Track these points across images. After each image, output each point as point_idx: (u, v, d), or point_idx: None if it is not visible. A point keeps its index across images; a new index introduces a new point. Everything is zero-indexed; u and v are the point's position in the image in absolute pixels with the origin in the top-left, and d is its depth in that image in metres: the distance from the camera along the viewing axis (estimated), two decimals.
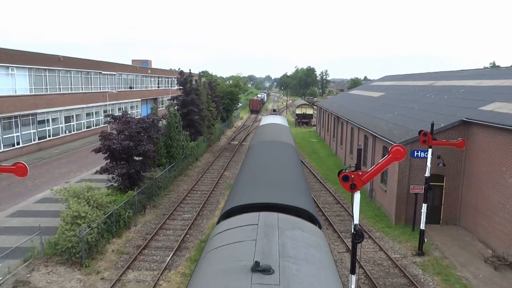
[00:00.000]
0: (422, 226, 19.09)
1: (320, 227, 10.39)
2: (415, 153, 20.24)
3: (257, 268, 6.37)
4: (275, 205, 10.62)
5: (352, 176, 10.17)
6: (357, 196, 10.39)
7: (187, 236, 21.21)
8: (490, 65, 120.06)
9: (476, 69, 37.99)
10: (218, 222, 10.47)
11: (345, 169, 10.38)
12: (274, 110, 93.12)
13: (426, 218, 19.21)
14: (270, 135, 24.28)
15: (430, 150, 18.31)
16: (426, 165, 18.76)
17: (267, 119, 34.52)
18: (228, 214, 10.69)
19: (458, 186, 22.63)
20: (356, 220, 10.47)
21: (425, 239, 19.48)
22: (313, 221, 10.41)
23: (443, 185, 22.82)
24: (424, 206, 19.13)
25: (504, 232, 18.40)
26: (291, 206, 10.80)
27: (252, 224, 8.65)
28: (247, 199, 11.20)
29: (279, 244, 7.50)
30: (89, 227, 17.47)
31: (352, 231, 10.46)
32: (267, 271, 6.35)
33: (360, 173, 10.17)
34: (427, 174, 18.70)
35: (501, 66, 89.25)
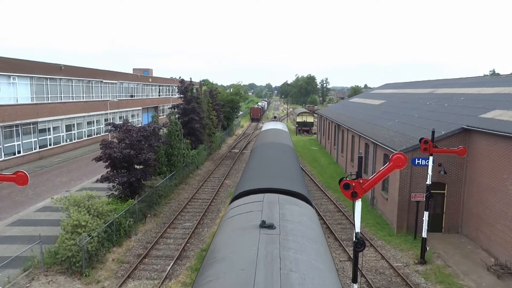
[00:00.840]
0: (424, 234, 18.98)
1: (312, 206, 12.57)
2: (416, 161, 20.20)
3: (263, 225, 8.77)
4: (277, 189, 12.59)
5: (353, 184, 10.14)
6: (358, 204, 10.35)
7: (188, 245, 21.11)
8: (490, 73, 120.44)
9: (476, 76, 38.09)
10: (231, 202, 12.81)
11: (346, 177, 10.36)
12: (275, 117, 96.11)
13: (428, 226, 19.12)
14: (272, 138, 26.45)
15: (431, 158, 18.28)
16: (427, 173, 18.72)
17: (269, 125, 37.52)
18: (238, 196, 12.79)
19: (459, 194, 22.56)
20: (358, 229, 10.42)
21: (427, 248, 19.36)
22: (307, 201, 12.54)
23: (444, 192, 22.75)
24: (426, 214, 19.04)
25: (507, 240, 18.29)
26: (289, 190, 12.75)
27: (258, 201, 10.99)
28: (253, 185, 13.32)
29: (279, 213, 9.92)
30: (89, 236, 17.41)
31: (354, 239, 10.41)
32: (270, 226, 8.72)
33: (361, 181, 10.14)
34: (428, 182, 18.65)
35: (501, 73, 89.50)
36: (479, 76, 39.68)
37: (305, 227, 9.45)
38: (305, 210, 11.01)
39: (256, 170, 16.62)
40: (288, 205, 10.83)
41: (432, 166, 18.47)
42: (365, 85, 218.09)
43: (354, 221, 10.52)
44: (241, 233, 8.81)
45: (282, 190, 12.52)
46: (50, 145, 43.76)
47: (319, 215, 25.08)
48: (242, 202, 11.46)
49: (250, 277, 6.46)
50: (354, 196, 10.22)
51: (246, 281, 6.35)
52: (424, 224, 19.03)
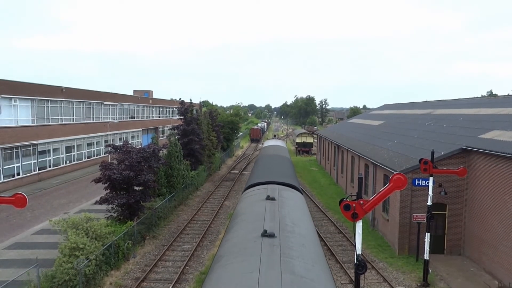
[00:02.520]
0: (426, 256, 18.74)
1: (300, 192, 17.74)
2: (416, 182, 20.14)
3: (268, 198, 13.62)
4: (276, 182, 17.36)
5: (354, 205, 10.09)
6: (359, 225, 10.27)
7: (187, 267, 20.80)
8: (488, 94, 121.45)
9: (474, 98, 38.40)
10: (243, 191, 18.00)
11: (346, 198, 10.31)
12: (275, 136, 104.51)
13: (429, 248, 18.89)
14: (273, 151, 32.29)
15: (431, 179, 18.22)
16: (427, 193, 18.63)
17: (270, 142, 44.27)
18: (248, 188, 17.79)
19: (460, 215, 22.40)
20: (359, 250, 10.30)
21: (430, 270, 19.09)
22: (297, 190, 17.57)
23: (445, 213, 22.60)
24: (427, 235, 18.85)
25: (510, 262, 18.05)
26: (285, 182, 17.56)
27: (264, 189, 15.81)
28: (259, 180, 18.14)
29: (278, 194, 14.64)
30: (87, 259, 17.17)
31: (355, 261, 10.28)
32: (272, 199, 13.53)
33: (361, 202, 10.10)
34: (429, 202, 18.54)
35: (499, 94, 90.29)
36: (477, 97, 40.00)
37: (294, 201, 14.69)
38: (295, 194, 16.26)
39: (261, 171, 22.05)
40: (284, 190, 15.84)
41: (433, 187, 18.40)
42: (364, 106, 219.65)
43: (355, 243, 10.42)
44: (253, 203, 13.95)
45: (280, 183, 17.42)
46: (49, 166, 43.68)
47: (321, 240, 24.84)
48: (252, 190, 16.67)
49: (261, 220, 11.31)
50: (354, 217, 10.15)
51: (260, 218, 11.52)
52: (425, 246, 18.81)
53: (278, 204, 13.04)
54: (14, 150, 37.91)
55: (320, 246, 11.10)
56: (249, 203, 14.15)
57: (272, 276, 7.67)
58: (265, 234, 9.76)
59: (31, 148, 40.50)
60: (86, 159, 51.70)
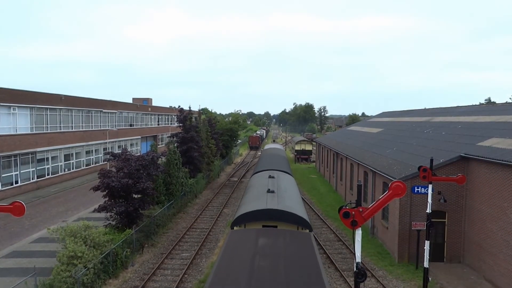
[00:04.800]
0: (426, 264, 18.62)
1: (292, 176, 26.08)
2: (416, 189, 20.12)
3: (269, 177, 21.51)
4: (275, 169, 25.24)
5: (353, 212, 10.06)
6: (358, 233, 10.22)
7: (186, 276, 20.68)
8: (486, 101, 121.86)
9: (472, 105, 38.57)
10: (252, 175, 26.17)
11: (346, 206, 10.29)
12: (274, 141, 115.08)
13: (429, 256, 18.78)
14: (273, 151, 41.27)
15: (430, 186, 18.17)
16: (427, 201, 18.59)
17: (270, 145, 53.47)
18: (255, 173, 26.05)
19: (460, 223, 22.36)
20: (358, 258, 10.26)
21: (430, 278, 18.95)
22: (290, 174, 26.20)
23: (445, 221, 22.55)
24: (427, 243, 18.75)
25: (510, 270, 17.99)
26: (282, 170, 25.74)
27: (266, 173, 23.43)
28: (263, 168, 26.50)
29: (276, 176, 22.22)
30: (85, 268, 17.07)
31: (355, 269, 10.23)
32: (272, 177, 21.40)
33: (360, 210, 10.06)
34: (429, 210, 18.48)
35: (497, 102, 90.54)
36: (475, 105, 40.18)
37: (287, 179, 22.75)
38: (288, 176, 24.54)
39: (264, 163, 30.57)
40: (280, 174, 23.86)
41: (432, 194, 18.36)
42: (363, 113, 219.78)
43: (354, 251, 10.38)
44: (260, 180, 21.45)
45: (278, 170, 25.22)
46: (48, 174, 43.58)
47: (321, 248, 24.77)
48: (259, 173, 24.57)
49: (266, 186, 18.51)
50: (354, 225, 10.10)
51: (265, 185, 18.89)
52: (425, 254, 18.70)
53: (277, 180, 20.98)
54: (13, 158, 37.84)
55: (302, 199, 20.34)
56: (257, 180, 22.24)
57: (273, 204, 15.17)
58: (268, 191, 17.27)
59: (30, 156, 40.43)
60: (84, 167, 51.60)
